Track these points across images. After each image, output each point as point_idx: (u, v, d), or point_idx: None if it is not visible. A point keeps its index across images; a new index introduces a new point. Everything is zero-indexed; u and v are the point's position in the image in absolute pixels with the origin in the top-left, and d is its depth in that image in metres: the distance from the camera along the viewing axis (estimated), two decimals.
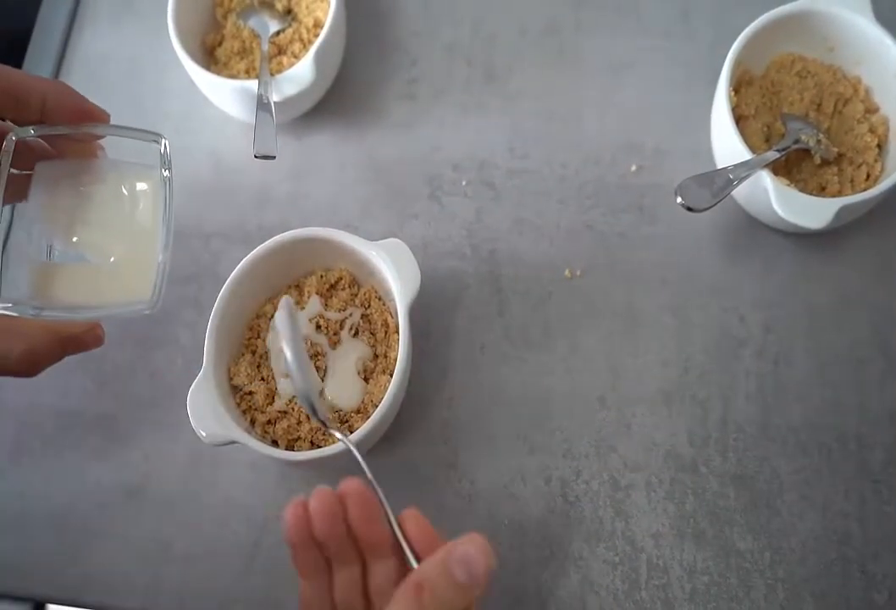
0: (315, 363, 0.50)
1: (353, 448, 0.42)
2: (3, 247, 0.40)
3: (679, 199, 0.49)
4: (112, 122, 0.42)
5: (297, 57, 0.59)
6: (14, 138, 0.40)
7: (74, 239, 0.41)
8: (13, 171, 0.40)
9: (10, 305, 0.39)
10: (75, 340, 0.43)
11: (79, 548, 0.52)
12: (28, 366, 0.41)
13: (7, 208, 0.40)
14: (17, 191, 0.40)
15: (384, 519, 0.37)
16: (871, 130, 0.55)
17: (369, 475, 0.39)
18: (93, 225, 0.41)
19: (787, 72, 0.57)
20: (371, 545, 0.37)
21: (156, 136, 0.42)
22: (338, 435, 0.43)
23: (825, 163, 0.55)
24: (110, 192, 0.42)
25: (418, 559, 0.36)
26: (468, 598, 0.33)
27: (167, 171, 0.42)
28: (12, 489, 0.53)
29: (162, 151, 0.42)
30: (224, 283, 0.49)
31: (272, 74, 0.56)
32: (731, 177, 0.50)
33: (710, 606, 0.48)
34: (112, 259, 0.41)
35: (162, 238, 0.41)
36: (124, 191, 0.42)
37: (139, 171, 0.42)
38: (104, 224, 0.41)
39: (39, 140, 0.41)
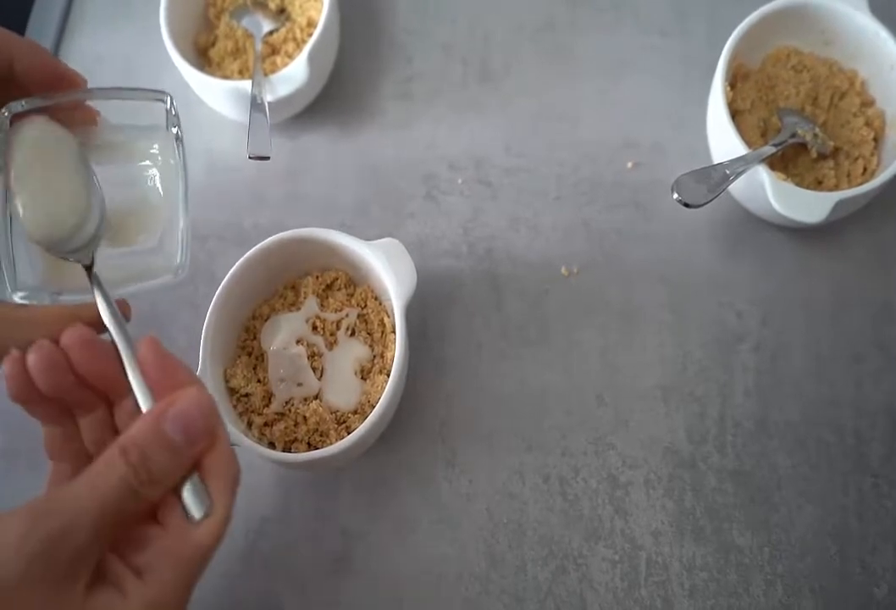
0: (312, 364, 0.50)
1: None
2: (11, 230, 0.37)
3: (675, 195, 0.49)
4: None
5: (290, 57, 0.59)
6: (8, 115, 0.37)
7: None
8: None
9: (25, 292, 0.37)
10: (98, 324, 0.40)
11: None
12: None
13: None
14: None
15: (116, 357, 0.34)
16: (868, 124, 0.55)
17: (105, 309, 0.36)
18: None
19: (782, 66, 0.57)
20: (108, 387, 0.35)
21: (160, 95, 0.39)
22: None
23: (822, 157, 0.55)
24: (118, 157, 0.40)
25: (156, 396, 0.33)
26: (185, 458, 0.31)
27: (177, 128, 0.39)
28: (6, 495, 0.53)
29: (168, 108, 0.39)
30: (220, 284, 0.49)
31: (266, 74, 0.56)
32: (727, 172, 0.50)
33: (710, 603, 0.48)
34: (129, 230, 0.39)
35: (181, 202, 0.39)
36: (132, 156, 0.40)
37: (146, 132, 0.40)
38: (113, 192, 0.39)
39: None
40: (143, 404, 0.33)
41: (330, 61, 0.61)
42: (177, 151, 0.40)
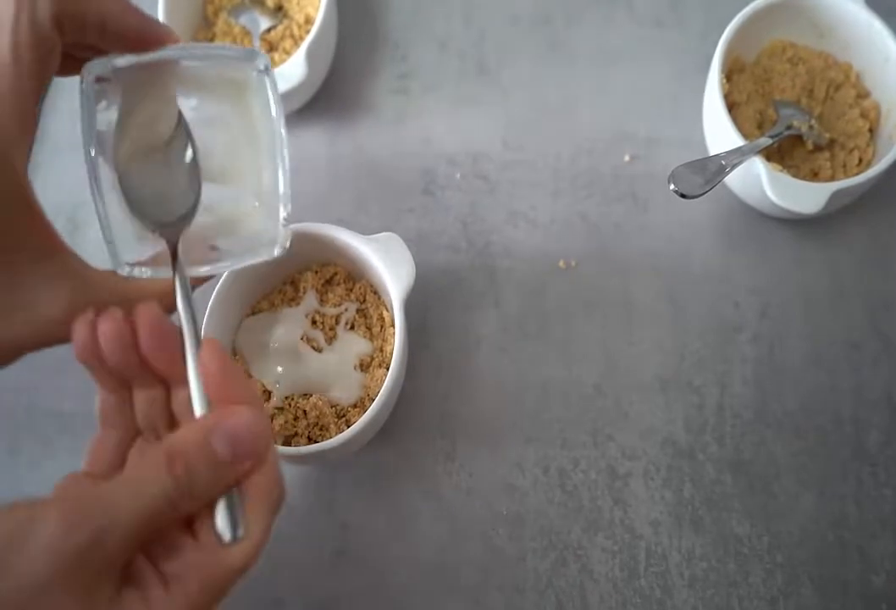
0: None
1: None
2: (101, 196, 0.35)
3: (672, 186, 0.49)
4: None
5: (288, 53, 0.59)
6: (93, 77, 0.35)
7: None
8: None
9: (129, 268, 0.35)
10: (170, 303, 0.37)
11: None
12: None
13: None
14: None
15: (181, 350, 0.33)
16: (863, 115, 0.55)
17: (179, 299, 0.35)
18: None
19: (778, 58, 0.57)
20: (168, 373, 0.34)
21: (253, 56, 0.37)
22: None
23: (818, 148, 0.55)
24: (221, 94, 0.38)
25: (210, 401, 0.33)
26: (228, 477, 0.31)
27: (274, 93, 0.37)
28: (10, 492, 0.54)
29: (263, 71, 0.37)
30: (218, 281, 0.49)
31: None
32: (723, 163, 0.50)
33: (709, 592, 0.48)
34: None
35: (283, 168, 0.37)
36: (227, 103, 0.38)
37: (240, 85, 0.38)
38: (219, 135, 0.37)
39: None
40: (198, 408, 0.32)
41: (327, 58, 0.61)
42: (275, 110, 0.38)
